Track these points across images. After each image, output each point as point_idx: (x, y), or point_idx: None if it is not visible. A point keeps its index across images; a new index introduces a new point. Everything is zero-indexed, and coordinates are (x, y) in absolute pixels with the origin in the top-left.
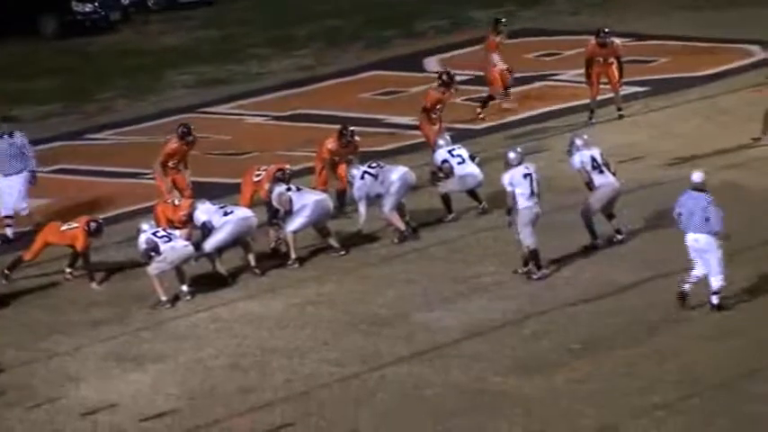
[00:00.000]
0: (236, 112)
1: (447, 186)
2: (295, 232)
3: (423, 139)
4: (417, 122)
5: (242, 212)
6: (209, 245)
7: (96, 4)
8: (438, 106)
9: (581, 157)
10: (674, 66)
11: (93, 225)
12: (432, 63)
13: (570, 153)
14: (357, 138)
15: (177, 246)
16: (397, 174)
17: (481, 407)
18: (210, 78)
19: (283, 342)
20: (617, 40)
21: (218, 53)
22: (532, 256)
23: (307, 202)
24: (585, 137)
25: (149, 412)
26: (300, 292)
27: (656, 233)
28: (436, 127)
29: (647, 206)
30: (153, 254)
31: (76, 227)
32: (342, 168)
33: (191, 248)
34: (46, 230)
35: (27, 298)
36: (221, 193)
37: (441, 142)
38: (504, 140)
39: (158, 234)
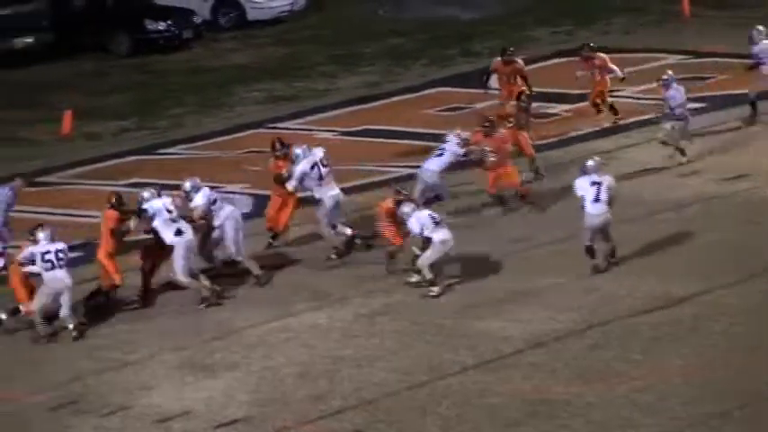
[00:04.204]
0: (306, 127)
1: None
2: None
3: None
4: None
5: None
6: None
7: (169, 22)
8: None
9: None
10: (731, 82)
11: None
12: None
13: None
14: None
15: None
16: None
17: (543, 415)
18: (279, 95)
19: (352, 351)
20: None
21: (286, 70)
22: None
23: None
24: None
25: (222, 419)
26: (368, 303)
27: (709, 247)
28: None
29: (699, 220)
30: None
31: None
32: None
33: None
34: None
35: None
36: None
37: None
38: (564, 155)
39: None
